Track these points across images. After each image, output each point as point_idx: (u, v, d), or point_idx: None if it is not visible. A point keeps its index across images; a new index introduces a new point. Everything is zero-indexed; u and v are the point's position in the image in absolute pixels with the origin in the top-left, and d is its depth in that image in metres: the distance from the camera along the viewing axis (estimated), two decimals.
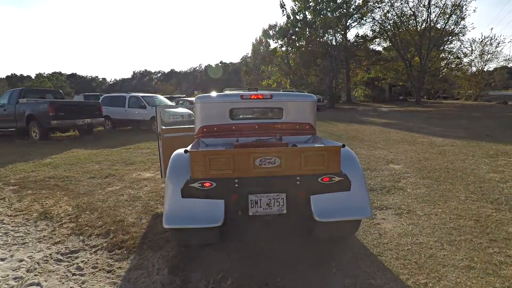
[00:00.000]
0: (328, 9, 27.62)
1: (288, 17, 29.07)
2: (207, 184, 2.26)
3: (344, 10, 28.99)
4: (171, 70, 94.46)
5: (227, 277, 2.27)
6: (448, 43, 28.18)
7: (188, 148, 2.53)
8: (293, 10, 28.66)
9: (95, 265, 2.48)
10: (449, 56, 29.40)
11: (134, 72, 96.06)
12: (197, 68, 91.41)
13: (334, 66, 26.49)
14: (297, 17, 28.64)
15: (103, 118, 10.42)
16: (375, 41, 31.57)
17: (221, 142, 3.38)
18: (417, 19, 27.41)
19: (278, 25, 31.90)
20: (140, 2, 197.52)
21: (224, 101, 3.41)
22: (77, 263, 2.51)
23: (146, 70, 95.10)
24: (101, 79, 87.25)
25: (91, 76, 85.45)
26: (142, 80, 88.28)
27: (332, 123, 13.03)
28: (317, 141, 3.35)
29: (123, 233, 3.01)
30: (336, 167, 2.30)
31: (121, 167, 5.81)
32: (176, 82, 78.46)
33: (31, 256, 2.64)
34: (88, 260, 2.56)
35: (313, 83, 29.35)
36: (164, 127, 4.22)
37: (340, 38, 29.83)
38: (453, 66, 30.11)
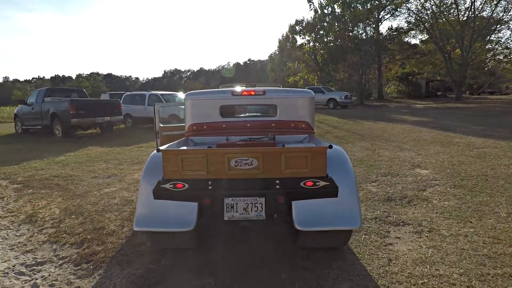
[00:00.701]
0: (359, 2, 26.20)
1: (316, 11, 28.01)
2: (180, 186, 2.11)
3: (376, 2, 27.36)
4: (200, 68, 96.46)
5: None
6: (495, 32, 25.54)
7: (164, 147, 2.32)
8: (321, 4, 27.54)
9: (54, 282, 2.22)
10: (497, 47, 26.65)
11: (165, 71, 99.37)
12: (225, 66, 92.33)
13: (364, 61, 25.12)
14: (325, 11, 27.47)
15: (122, 116, 10.54)
16: (410, 33, 29.54)
17: (210, 141, 3.19)
18: (459, 8, 25.16)
19: (305, 20, 30.97)
20: (170, 3, 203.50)
21: (214, 98, 3.21)
22: (36, 279, 2.27)
23: (176, 69, 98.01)
24: (134, 79, 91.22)
25: (125, 76, 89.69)
26: (173, 78, 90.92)
27: (357, 121, 12.19)
28: (314, 141, 2.90)
29: (98, 243, 2.75)
30: (321, 171, 2.04)
31: (127, 167, 5.67)
32: (205, 80, 79.74)
33: None
34: (49, 275, 2.31)
35: (342, 80, 28.12)
36: (162, 125, 4.07)
37: (371, 31, 28.26)
38: (501, 57, 27.29)
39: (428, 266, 2.24)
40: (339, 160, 2.26)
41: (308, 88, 21.94)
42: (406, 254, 2.43)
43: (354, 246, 2.59)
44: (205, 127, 3.25)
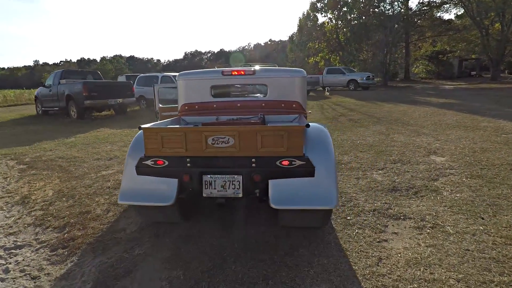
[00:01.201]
0: None
1: None
2: (160, 162, 2.18)
3: None
4: (221, 49, 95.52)
5: None
6: None
7: (146, 125, 2.30)
8: None
9: (25, 267, 2.19)
10: None
11: (185, 53, 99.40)
12: (246, 47, 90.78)
13: (390, 39, 23.61)
14: None
15: (134, 98, 10.59)
16: (443, 7, 27.23)
17: (201, 121, 3.18)
18: None
19: None
20: None
21: (205, 78, 3.20)
22: (10, 263, 2.24)
23: (196, 51, 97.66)
24: (155, 61, 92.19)
25: (147, 58, 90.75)
26: (193, 60, 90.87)
27: (377, 104, 11.53)
28: (302, 122, 2.72)
29: (79, 228, 2.71)
30: (298, 150, 2.03)
31: None
32: (225, 61, 79.09)
33: None
34: (23, 259, 2.29)
35: (365, 60, 26.74)
36: (161, 106, 4.15)
37: (399, 7, 26.34)
38: None
39: (422, 268, 1.98)
40: (319, 140, 2.23)
41: (328, 69, 21.10)
42: (400, 253, 2.17)
43: (343, 241, 2.36)
44: (196, 107, 3.26)
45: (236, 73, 3.14)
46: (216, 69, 3.36)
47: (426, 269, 1.97)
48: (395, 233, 2.46)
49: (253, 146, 2.05)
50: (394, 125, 6.98)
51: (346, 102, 12.52)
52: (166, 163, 2.18)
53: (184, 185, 2.20)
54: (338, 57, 28.80)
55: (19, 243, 2.52)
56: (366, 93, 16.64)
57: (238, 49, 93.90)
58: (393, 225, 2.57)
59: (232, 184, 2.15)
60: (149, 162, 2.19)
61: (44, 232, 2.68)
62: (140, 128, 2.23)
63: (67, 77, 10.24)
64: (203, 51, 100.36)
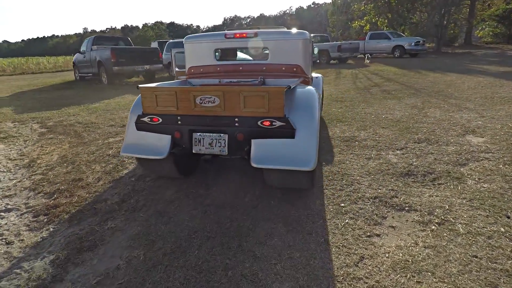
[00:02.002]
0: None
1: None
2: (155, 119, 2.36)
3: None
4: (260, 14, 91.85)
5: (112, 282, 1.71)
6: None
7: (145, 85, 2.44)
8: None
9: (4, 232, 2.25)
10: None
11: (224, 18, 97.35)
12: (287, 11, 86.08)
13: None
14: None
15: (161, 65, 10.58)
16: None
17: (205, 83, 3.30)
18: None
19: None
20: None
21: (209, 41, 3.27)
22: None
23: (236, 16, 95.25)
24: (195, 27, 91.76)
25: (186, 24, 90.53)
26: (232, 25, 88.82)
27: (421, 73, 10.27)
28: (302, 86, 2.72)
29: (66, 196, 2.73)
30: (278, 111, 2.09)
31: None
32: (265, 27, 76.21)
33: None
34: (6, 224, 2.35)
35: (417, 23, 23.81)
36: (178, 69, 4.32)
37: None
38: None
39: (408, 275, 1.65)
40: (305, 102, 2.27)
41: (371, 34, 19.18)
42: (388, 253, 1.84)
43: (328, 232, 2.08)
44: (201, 70, 3.36)
45: (238, 35, 3.13)
46: (220, 32, 3.33)
47: (414, 276, 1.64)
48: (392, 227, 2.11)
49: (236, 106, 2.14)
50: (433, 98, 6.13)
51: (385, 71, 11.36)
52: (160, 120, 2.34)
53: (176, 142, 2.38)
54: (386, 20, 26.00)
55: (9, 207, 2.61)
56: (412, 61, 14.95)
57: (279, 13, 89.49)
58: (392, 217, 2.21)
59: (219, 142, 2.27)
60: (146, 119, 2.38)
61: (35, 197, 2.75)
62: (138, 88, 2.40)
63: (99, 43, 10.47)
64: (243, 16, 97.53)
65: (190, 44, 3.38)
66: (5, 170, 3.40)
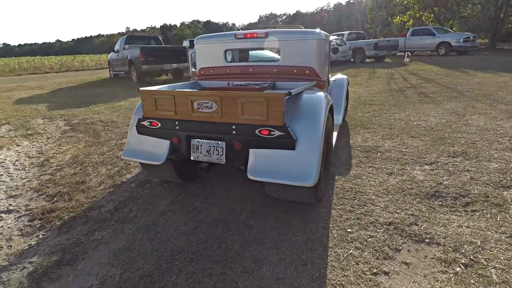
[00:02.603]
0: None
1: None
2: (154, 124, 2.30)
3: None
4: (297, 11, 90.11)
5: None
6: None
7: (146, 88, 2.37)
8: None
9: None
10: None
11: (260, 16, 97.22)
12: (324, 8, 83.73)
13: None
14: None
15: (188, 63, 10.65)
16: None
17: (214, 85, 3.20)
18: None
19: None
20: None
21: (219, 41, 3.14)
22: None
23: (271, 13, 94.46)
24: (231, 25, 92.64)
25: (222, 22, 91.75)
26: (268, 23, 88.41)
27: (467, 73, 9.27)
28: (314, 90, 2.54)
29: (65, 200, 2.70)
30: (277, 119, 1.92)
31: None
32: (300, 24, 74.83)
33: None
34: (1, 226, 2.35)
35: (468, 17, 21.79)
36: (194, 70, 4.26)
37: None
38: None
39: None
40: (310, 110, 2.06)
41: (413, 30, 17.86)
42: None
43: (325, 265, 1.78)
44: (211, 71, 3.26)
45: (249, 35, 2.96)
46: (230, 32, 3.19)
47: None
48: (406, 263, 1.76)
49: (233, 112, 2.00)
50: (478, 103, 5.43)
51: (426, 71, 10.44)
52: (159, 124, 2.27)
53: (175, 147, 2.30)
54: (432, 15, 24.13)
55: (11, 208, 2.63)
56: (459, 59, 13.64)
57: (316, 10, 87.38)
58: (408, 251, 1.86)
59: (216, 150, 2.16)
60: (146, 123, 2.32)
61: (37, 199, 2.75)
62: (138, 91, 2.35)
63: (131, 42, 10.80)
64: (278, 14, 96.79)
65: (200, 45, 3.26)
66: (20, 168, 3.50)
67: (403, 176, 2.81)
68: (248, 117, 1.97)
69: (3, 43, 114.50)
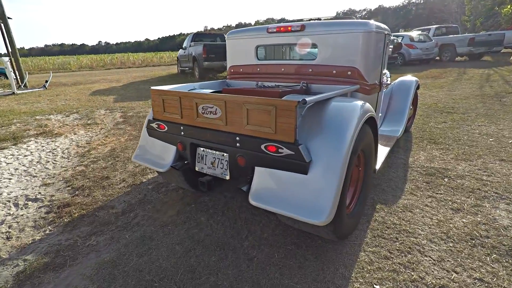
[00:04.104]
0: None
1: None
2: (162, 127, 2.12)
3: None
4: (379, 6, 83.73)
5: None
6: None
7: (157, 87, 2.19)
8: None
9: (14, 224, 2.29)
10: None
11: (337, 12, 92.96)
12: (412, 1, 75.80)
13: None
14: None
15: None
16: None
17: (240, 86, 2.91)
18: None
19: None
20: None
21: (250, 36, 2.81)
22: (11, 215, 2.41)
23: (350, 9, 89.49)
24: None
25: (296, 19, 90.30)
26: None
27: None
28: (355, 97, 2.19)
29: (84, 194, 2.69)
30: (287, 134, 1.52)
31: None
32: (382, 19, 69.21)
33: (11, 191, 2.81)
34: (22, 215, 2.41)
35: None
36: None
37: None
38: None
39: None
40: (336, 124, 1.59)
41: None
42: None
43: None
44: (241, 70, 2.97)
45: (282, 29, 2.55)
46: (262, 26, 2.78)
47: None
48: None
49: (238, 121, 1.67)
50: None
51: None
52: (166, 128, 2.09)
53: (181, 154, 2.09)
54: None
55: (39, 196, 2.72)
56: None
57: (402, 3, 79.77)
58: None
59: (221, 163, 1.87)
60: (154, 125, 2.16)
61: (62, 191, 2.81)
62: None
63: (198, 39, 11.15)
64: (357, 9, 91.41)
65: (231, 40, 2.94)
66: (65, 156, 3.70)
67: (477, 217, 2.06)
68: (254, 128, 1.63)
69: (105, 42, 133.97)
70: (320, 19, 2.81)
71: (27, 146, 4.04)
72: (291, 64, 2.59)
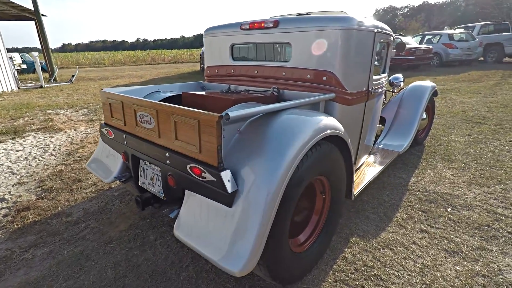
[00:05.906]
0: None
1: None
2: (110, 133, 1.94)
3: None
4: (423, 2, 78.70)
5: None
6: None
7: (109, 88, 2.04)
8: None
9: None
10: None
11: (376, 9, 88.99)
12: None
13: None
14: None
15: None
16: None
17: (217, 89, 2.67)
18: None
19: None
20: None
21: (225, 33, 2.54)
22: None
23: (390, 6, 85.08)
24: None
25: None
26: (385, 17, 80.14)
27: None
28: (328, 107, 1.91)
29: (49, 198, 2.59)
30: (210, 155, 1.24)
31: None
32: (425, 17, 64.87)
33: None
34: None
35: None
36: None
37: None
38: None
39: None
40: (276, 144, 1.28)
41: None
42: None
43: None
44: (216, 71, 2.72)
45: (256, 25, 2.25)
46: (237, 22, 2.48)
47: None
48: None
49: (169, 134, 1.45)
50: None
51: None
52: (113, 135, 1.91)
53: (128, 166, 1.90)
54: None
55: (6, 196, 2.64)
56: None
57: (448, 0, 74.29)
58: None
59: (158, 179, 1.64)
60: (104, 130, 2.00)
61: (31, 192, 2.73)
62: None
63: None
64: (399, 6, 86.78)
65: (207, 38, 2.67)
66: (54, 153, 3.68)
67: (477, 264, 1.62)
68: (181, 144, 1.39)
69: (143, 39, 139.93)
70: (309, 14, 2.44)
71: (23, 141, 4.09)
72: (264, 66, 2.27)
